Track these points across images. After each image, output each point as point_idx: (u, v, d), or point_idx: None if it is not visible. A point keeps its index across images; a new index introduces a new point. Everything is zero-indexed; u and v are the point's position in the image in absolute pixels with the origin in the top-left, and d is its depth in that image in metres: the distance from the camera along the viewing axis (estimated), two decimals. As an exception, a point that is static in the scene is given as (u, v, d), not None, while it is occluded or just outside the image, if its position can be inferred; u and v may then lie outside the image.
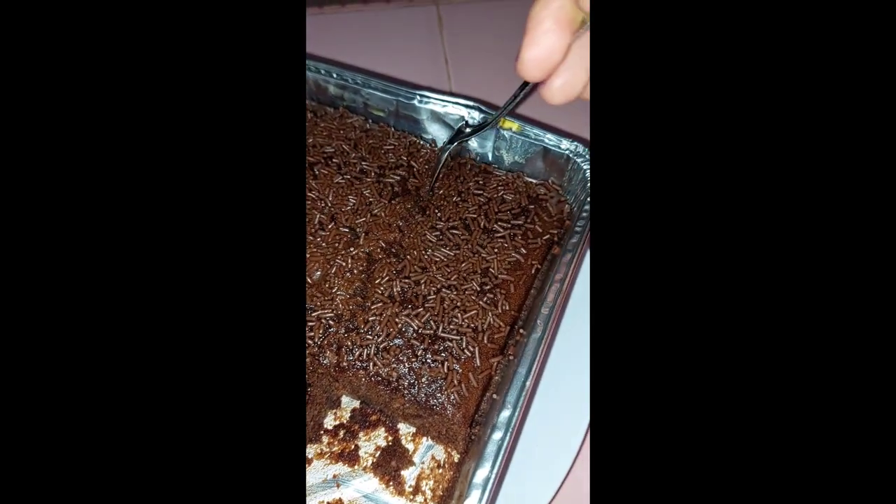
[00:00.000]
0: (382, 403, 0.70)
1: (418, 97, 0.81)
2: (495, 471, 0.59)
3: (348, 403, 0.75)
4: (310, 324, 0.66)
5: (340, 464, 0.71)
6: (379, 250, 0.70)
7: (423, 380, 0.64)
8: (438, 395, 0.64)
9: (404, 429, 0.73)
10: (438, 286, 0.68)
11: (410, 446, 0.72)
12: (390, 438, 0.73)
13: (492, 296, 0.67)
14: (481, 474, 0.59)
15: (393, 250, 0.71)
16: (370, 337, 0.66)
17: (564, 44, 0.45)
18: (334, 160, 0.77)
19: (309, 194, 0.73)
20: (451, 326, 0.66)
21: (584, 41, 0.46)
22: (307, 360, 0.65)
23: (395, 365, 0.65)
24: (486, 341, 0.66)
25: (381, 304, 0.67)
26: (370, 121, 0.84)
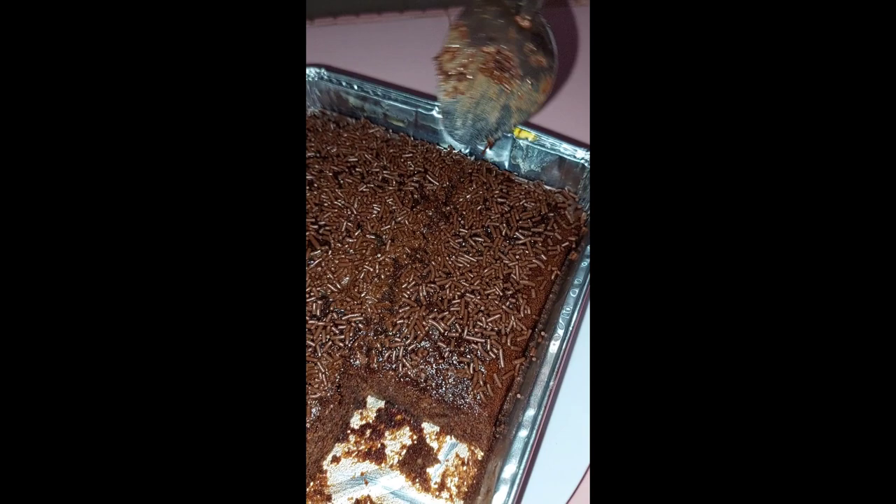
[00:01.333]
0: (409, 403, 0.73)
1: (437, 108, 0.84)
2: (522, 467, 0.62)
3: (373, 404, 0.78)
4: (340, 327, 0.69)
5: (368, 462, 0.74)
6: (405, 256, 0.73)
7: (450, 380, 0.67)
8: (465, 395, 0.67)
9: (428, 427, 0.76)
10: (462, 291, 0.71)
11: (435, 444, 0.75)
12: (415, 437, 0.76)
13: (514, 300, 0.71)
14: (509, 470, 0.62)
15: (418, 256, 0.74)
16: (398, 339, 0.69)
17: None
18: (357, 169, 0.80)
19: (335, 202, 0.76)
20: (476, 329, 0.69)
21: None
22: (339, 361, 0.68)
23: (422, 366, 0.68)
24: (509, 344, 0.69)
25: (408, 307, 0.70)
26: (390, 131, 0.87)
